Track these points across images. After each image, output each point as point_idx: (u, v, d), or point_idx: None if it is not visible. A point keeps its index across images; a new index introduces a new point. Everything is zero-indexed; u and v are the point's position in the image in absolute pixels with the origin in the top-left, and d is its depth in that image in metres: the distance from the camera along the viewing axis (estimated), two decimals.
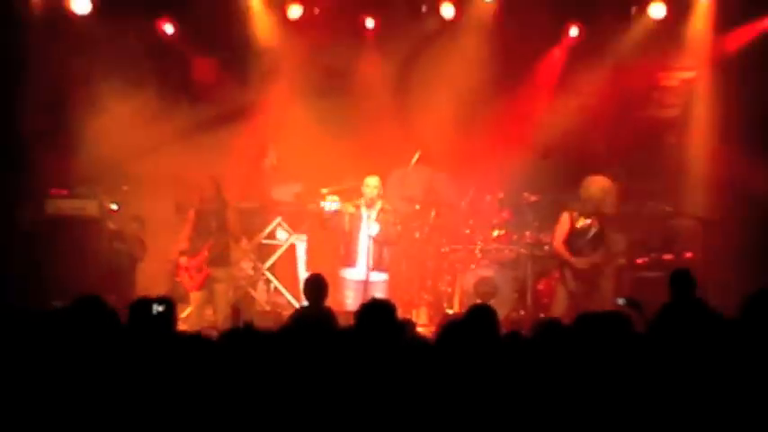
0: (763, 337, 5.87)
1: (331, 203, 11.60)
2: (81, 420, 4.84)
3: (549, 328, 5.61)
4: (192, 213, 11.69)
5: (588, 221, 11.60)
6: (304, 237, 13.50)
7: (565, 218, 11.65)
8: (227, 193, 11.92)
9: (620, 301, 10.72)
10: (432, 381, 4.93)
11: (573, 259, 11.57)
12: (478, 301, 11.68)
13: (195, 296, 11.71)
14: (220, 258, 11.74)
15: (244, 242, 13.16)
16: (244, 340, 5.32)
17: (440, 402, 4.79)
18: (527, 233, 12.79)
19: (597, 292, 11.58)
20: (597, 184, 11.68)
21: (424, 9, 13.51)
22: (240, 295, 12.99)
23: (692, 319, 7.96)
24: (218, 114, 13.29)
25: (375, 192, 11.51)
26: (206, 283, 11.67)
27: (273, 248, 13.53)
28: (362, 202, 11.48)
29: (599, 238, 11.62)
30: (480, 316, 5.69)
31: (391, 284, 11.72)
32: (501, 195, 13.07)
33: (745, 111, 12.44)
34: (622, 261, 12.40)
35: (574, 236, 11.60)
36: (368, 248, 11.37)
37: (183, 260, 11.69)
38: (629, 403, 4.78)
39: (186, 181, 12.12)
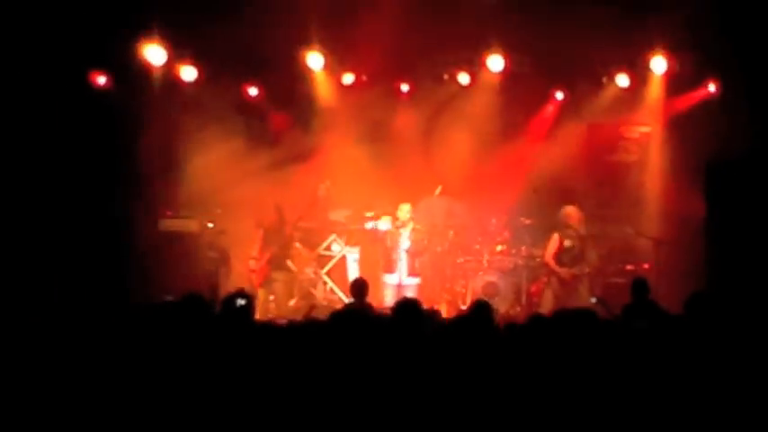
0: (700, 329, 5.92)
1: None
2: (182, 381, 4.95)
3: (536, 321, 5.69)
4: (261, 231, 12.04)
5: (572, 242, 11.67)
6: (356, 249, 13.57)
7: (555, 237, 11.75)
8: (290, 215, 12.25)
9: (593, 300, 10.79)
10: (444, 354, 5.03)
11: (560, 270, 11.63)
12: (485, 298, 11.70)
13: (260, 292, 11.93)
14: (279, 264, 12.08)
15: (306, 252, 13.30)
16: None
17: (452, 369, 4.88)
18: (522, 248, 12.87)
19: (576, 293, 11.59)
20: (565, 212, 11.82)
21: (446, 77, 13.55)
22: (304, 293, 13.09)
23: (646, 315, 7.99)
24: (287, 156, 13.38)
25: (408, 216, 11.66)
26: (266, 282, 11.97)
27: (329, 258, 13.60)
28: (399, 223, 11.58)
29: (579, 255, 11.71)
30: (479, 309, 5.77)
31: (420, 286, 11.84)
32: (503, 219, 13.12)
33: (689, 157, 12.42)
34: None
35: (562, 252, 11.68)
36: (403, 259, 11.46)
37: (253, 263, 12.00)
38: (593, 376, 4.85)
39: (262, 206, 12.26)
